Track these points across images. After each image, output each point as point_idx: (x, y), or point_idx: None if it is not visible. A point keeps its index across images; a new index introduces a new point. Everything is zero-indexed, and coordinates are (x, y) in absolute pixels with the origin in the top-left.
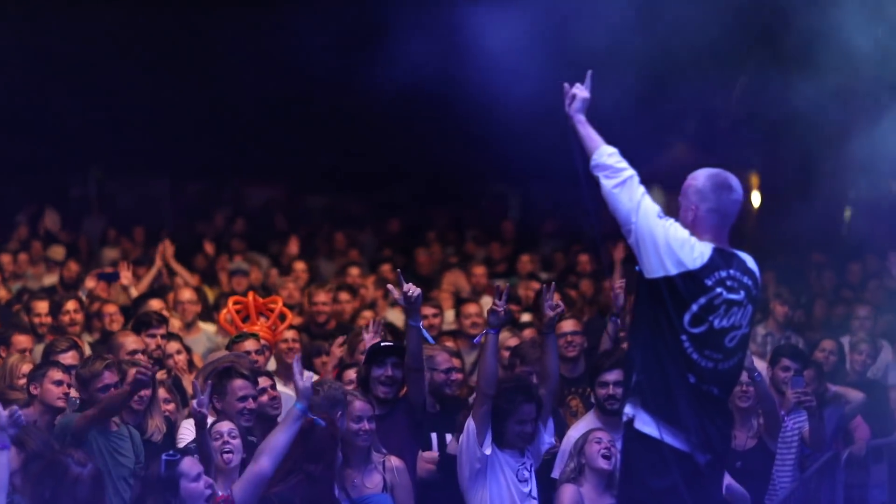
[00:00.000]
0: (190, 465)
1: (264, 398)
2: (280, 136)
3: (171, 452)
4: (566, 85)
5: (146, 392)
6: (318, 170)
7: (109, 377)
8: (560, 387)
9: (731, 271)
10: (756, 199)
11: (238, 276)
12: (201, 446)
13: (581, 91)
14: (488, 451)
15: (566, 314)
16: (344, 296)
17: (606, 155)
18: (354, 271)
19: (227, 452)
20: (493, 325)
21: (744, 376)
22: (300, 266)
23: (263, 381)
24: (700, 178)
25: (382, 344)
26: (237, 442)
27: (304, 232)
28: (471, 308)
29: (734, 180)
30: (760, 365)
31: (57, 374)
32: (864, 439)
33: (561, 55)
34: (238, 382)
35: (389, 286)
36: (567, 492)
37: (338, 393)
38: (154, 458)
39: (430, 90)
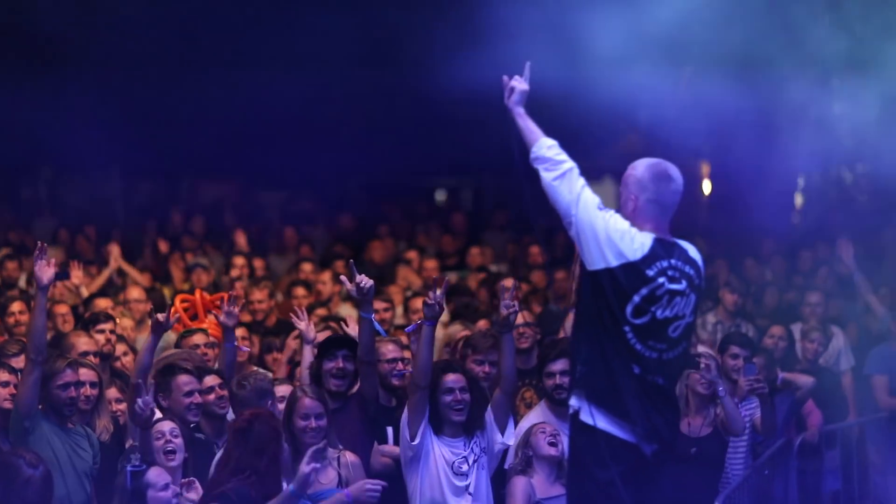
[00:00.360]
0: (157, 474)
1: (211, 397)
2: (232, 134)
3: (136, 464)
4: (505, 78)
5: (93, 392)
6: (270, 167)
7: (71, 376)
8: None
9: (673, 261)
10: (707, 187)
11: (198, 269)
12: (143, 446)
13: (520, 83)
14: (415, 441)
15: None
16: (300, 291)
17: (546, 147)
18: (308, 267)
19: (170, 452)
20: (427, 317)
21: (701, 363)
22: (240, 262)
23: (212, 380)
24: (639, 167)
25: (333, 336)
26: (179, 441)
27: (255, 229)
28: (419, 302)
29: (674, 170)
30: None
31: (3, 376)
32: (816, 426)
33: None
34: (182, 378)
35: (342, 277)
36: (518, 484)
37: (264, 383)
38: (104, 459)
39: (382, 83)
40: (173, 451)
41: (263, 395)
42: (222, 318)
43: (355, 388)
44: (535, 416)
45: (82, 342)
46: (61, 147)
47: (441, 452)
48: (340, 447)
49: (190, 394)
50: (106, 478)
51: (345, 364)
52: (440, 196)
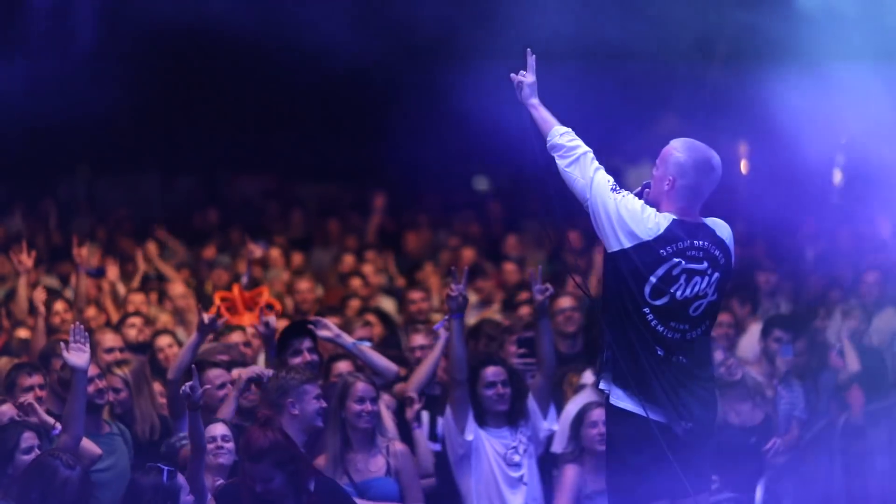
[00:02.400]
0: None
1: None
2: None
3: (169, 468)
4: (512, 75)
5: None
6: (308, 159)
7: (91, 370)
8: (559, 363)
9: (695, 241)
10: (744, 167)
11: (218, 268)
12: (193, 429)
13: (526, 77)
14: (470, 437)
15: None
16: (356, 282)
17: (559, 135)
18: (349, 259)
19: (221, 455)
20: (453, 310)
21: (719, 354)
22: (276, 253)
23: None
24: (682, 150)
25: (289, 329)
26: (230, 445)
27: (297, 220)
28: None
29: (716, 159)
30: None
31: (38, 380)
32: (859, 406)
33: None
34: (213, 372)
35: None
36: (569, 472)
37: (290, 381)
38: (148, 455)
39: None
40: (224, 454)
41: (284, 393)
42: (260, 327)
43: None
44: (583, 398)
45: (108, 339)
46: (98, 145)
47: (491, 445)
48: (390, 435)
49: (222, 386)
50: None
51: (311, 356)
52: (480, 184)
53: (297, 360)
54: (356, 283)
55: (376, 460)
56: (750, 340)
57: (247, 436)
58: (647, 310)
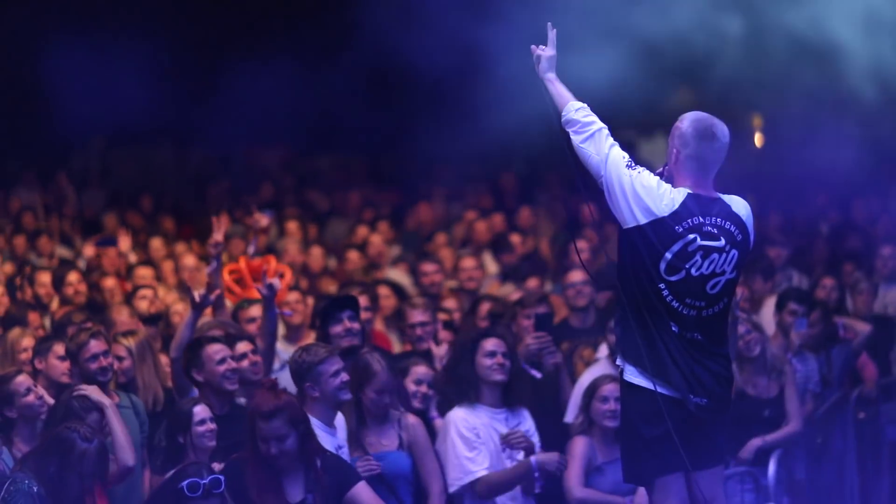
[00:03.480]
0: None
1: (245, 363)
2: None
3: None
4: (532, 47)
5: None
6: (324, 130)
7: (96, 346)
8: (570, 337)
9: (710, 218)
10: (759, 140)
11: (235, 238)
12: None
13: (545, 51)
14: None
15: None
16: (353, 255)
17: (574, 110)
18: (363, 231)
19: (207, 437)
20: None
21: (742, 328)
22: (293, 226)
23: (244, 346)
24: (686, 121)
25: (333, 298)
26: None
27: (314, 193)
28: (468, 262)
29: (720, 127)
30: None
31: (61, 350)
32: (872, 378)
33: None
34: (212, 347)
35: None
36: (579, 444)
37: (302, 365)
38: (155, 426)
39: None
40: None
41: (301, 378)
42: (261, 288)
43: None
44: (599, 369)
45: (124, 318)
46: (113, 116)
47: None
48: (402, 409)
49: (222, 361)
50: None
51: (351, 324)
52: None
53: (338, 329)
54: (353, 255)
55: (389, 434)
56: (766, 314)
57: (257, 397)
58: (662, 285)
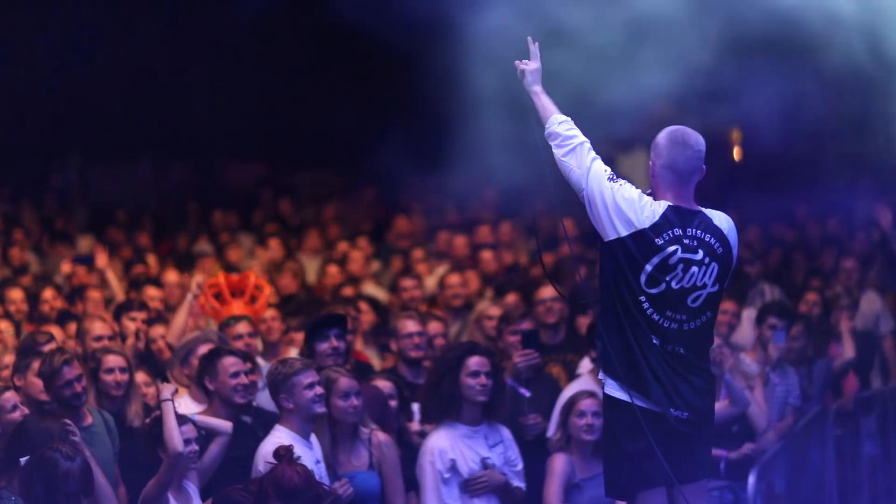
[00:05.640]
0: None
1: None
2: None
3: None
4: (515, 62)
5: (123, 377)
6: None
7: (69, 373)
8: (542, 353)
9: (690, 230)
10: (737, 154)
11: (203, 258)
12: None
13: (529, 64)
14: None
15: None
16: (332, 269)
17: (557, 123)
18: (343, 245)
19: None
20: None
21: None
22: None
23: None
24: (661, 134)
25: (321, 317)
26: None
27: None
28: (453, 278)
29: (693, 137)
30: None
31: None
32: (851, 393)
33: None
34: (228, 360)
35: None
36: (558, 461)
37: (278, 376)
38: (135, 443)
39: None
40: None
41: (276, 390)
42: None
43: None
44: (579, 385)
45: (96, 327)
46: (91, 132)
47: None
48: (372, 426)
49: (236, 375)
50: (138, 462)
51: (337, 343)
52: None
53: (324, 346)
54: (333, 270)
55: (359, 453)
56: (743, 328)
57: (278, 474)
58: (643, 298)
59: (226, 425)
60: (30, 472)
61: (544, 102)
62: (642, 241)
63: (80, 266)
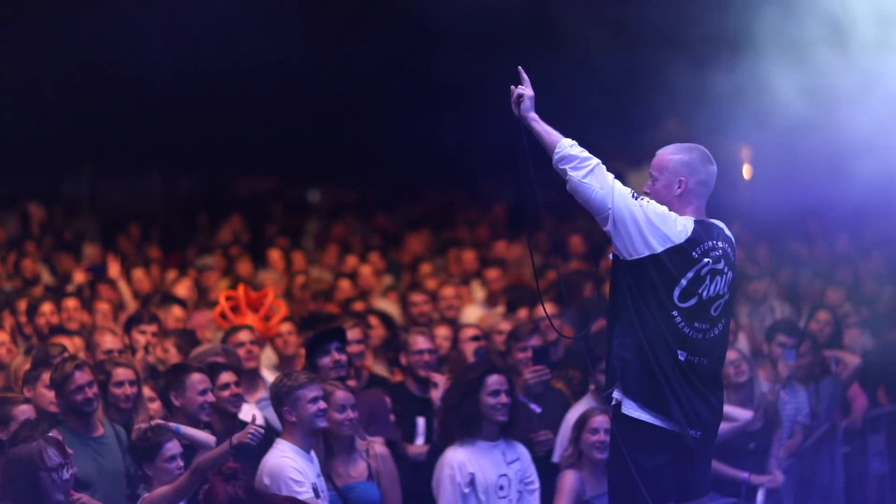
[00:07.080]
0: None
1: (226, 393)
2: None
3: None
4: (512, 87)
5: (133, 390)
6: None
7: (81, 378)
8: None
9: (714, 241)
10: (747, 172)
11: (206, 271)
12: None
13: (526, 90)
14: None
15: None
16: (345, 284)
17: (568, 146)
18: (352, 260)
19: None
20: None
21: (732, 355)
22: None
23: (228, 377)
24: (680, 151)
25: (320, 332)
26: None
27: (298, 222)
28: (448, 290)
29: (709, 153)
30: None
31: (49, 379)
32: (860, 411)
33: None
34: (196, 376)
35: None
36: (568, 479)
37: (282, 389)
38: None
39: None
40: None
41: (279, 402)
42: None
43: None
44: (584, 404)
45: (107, 340)
46: (102, 144)
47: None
48: (369, 439)
49: (203, 392)
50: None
51: (339, 356)
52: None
53: (326, 360)
54: (345, 284)
55: (357, 465)
56: (742, 345)
57: (210, 487)
58: (675, 312)
59: (209, 438)
60: (20, 479)
61: (546, 128)
62: (678, 255)
63: (92, 274)
